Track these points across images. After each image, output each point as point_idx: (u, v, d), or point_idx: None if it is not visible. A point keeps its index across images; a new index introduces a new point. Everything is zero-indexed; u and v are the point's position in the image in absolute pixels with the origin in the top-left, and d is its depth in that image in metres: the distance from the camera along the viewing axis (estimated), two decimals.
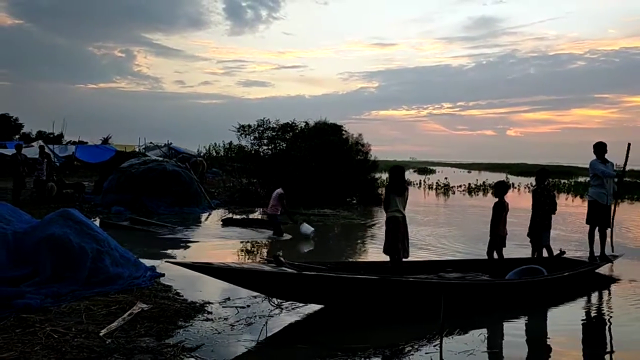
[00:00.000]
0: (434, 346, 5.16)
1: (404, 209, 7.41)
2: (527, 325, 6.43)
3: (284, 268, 6.27)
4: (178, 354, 4.68)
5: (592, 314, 6.94)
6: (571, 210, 19.36)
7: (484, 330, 5.90)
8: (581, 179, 40.91)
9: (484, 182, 34.19)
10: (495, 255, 7.83)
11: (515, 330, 6.14)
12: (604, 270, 8.77)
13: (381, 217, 17.43)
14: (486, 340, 5.56)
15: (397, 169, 7.58)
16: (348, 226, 14.87)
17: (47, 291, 5.95)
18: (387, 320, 6.06)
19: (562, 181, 38.64)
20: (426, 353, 5.05)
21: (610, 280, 8.49)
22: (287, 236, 12.05)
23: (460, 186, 32.69)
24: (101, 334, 5.05)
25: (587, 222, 8.97)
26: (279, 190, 12.39)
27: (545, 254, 8.39)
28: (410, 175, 51.17)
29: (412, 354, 5.03)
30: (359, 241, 12.83)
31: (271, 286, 6.10)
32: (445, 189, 31.56)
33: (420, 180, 38.31)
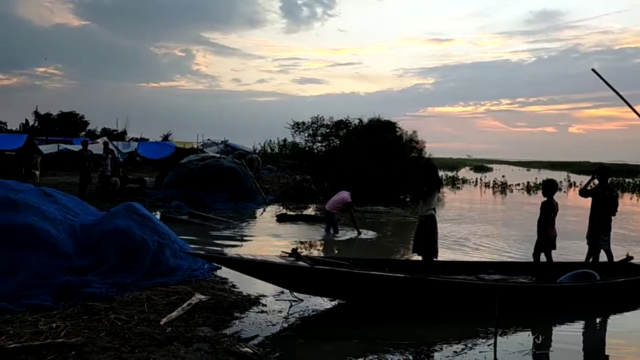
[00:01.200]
0: (488, 345, 5.10)
1: (432, 207, 7.34)
2: (583, 330, 6.25)
3: (300, 262, 6.35)
4: (234, 343, 4.82)
5: None
6: (636, 210, 18.54)
7: (538, 332, 5.76)
8: None
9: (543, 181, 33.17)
10: (544, 258, 7.45)
11: (569, 334, 5.97)
12: None
13: (438, 215, 17.28)
14: (541, 342, 5.44)
15: (431, 165, 7.53)
16: (401, 224, 14.77)
17: (111, 281, 6.25)
18: (436, 317, 6.02)
19: (627, 180, 36.99)
20: (480, 352, 5.00)
21: None
22: (343, 234, 12.06)
23: (519, 184, 31.86)
24: (162, 323, 5.26)
25: None
26: (346, 195, 12.02)
27: (598, 257, 7.89)
28: (466, 173, 50.32)
29: (466, 352, 4.99)
30: (411, 238, 12.65)
31: (285, 279, 6.21)
32: (502, 188, 30.83)
33: (477, 179, 37.55)
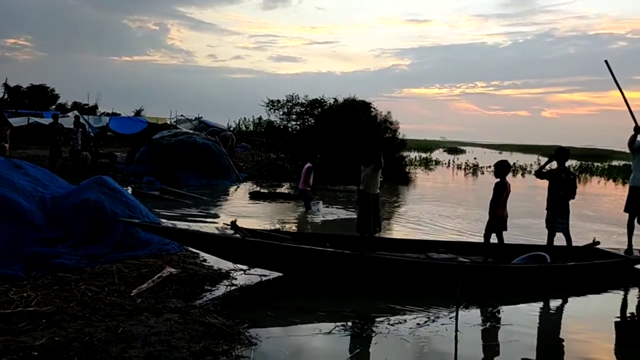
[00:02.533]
0: (450, 318, 5.33)
1: (372, 183, 7.44)
2: (541, 311, 6.36)
3: (236, 234, 6.56)
4: (204, 314, 4.94)
5: (602, 307, 6.57)
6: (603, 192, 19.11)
7: (497, 309, 6.03)
8: (615, 163, 40.12)
9: (514, 164, 33.77)
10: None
11: (526, 314, 6.08)
12: None
13: (406, 195, 17.58)
14: (500, 317, 5.69)
15: (365, 140, 7.59)
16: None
17: (82, 252, 6.28)
18: (400, 292, 6.23)
19: (596, 164, 37.90)
20: (442, 324, 5.23)
21: None
22: (317, 211, 12.23)
23: (490, 167, 32.35)
24: (132, 294, 5.34)
25: (625, 210, 8.16)
26: (308, 165, 12.49)
27: (553, 240, 7.80)
28: (439, 154, 50.88)
29: (429, 324, 5.21)
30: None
31: (218, 249, 6.41)
32: (474, 169, 31.32)
33: (449, 160, 38.04)
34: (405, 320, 5.27)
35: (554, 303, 6.69)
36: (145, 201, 9.46)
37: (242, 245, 6.28)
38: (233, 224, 6.79)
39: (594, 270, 7.37)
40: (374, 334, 4.92)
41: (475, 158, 35.15)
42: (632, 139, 7.97)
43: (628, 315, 6.45)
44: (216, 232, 6.64)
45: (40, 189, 6.99)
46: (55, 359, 3.78)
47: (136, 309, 4.94)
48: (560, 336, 5.50)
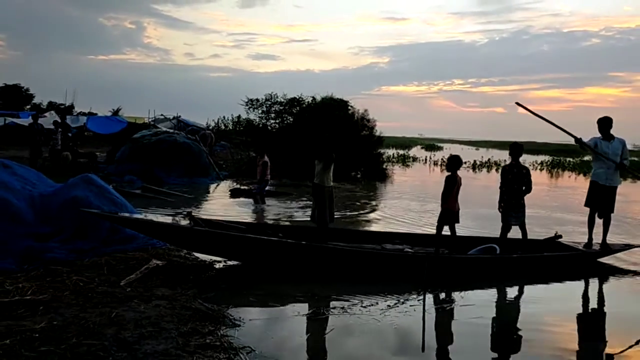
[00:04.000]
0: (418, 300, 5.81)
1: (326, 177, 7.84)
2: (498, 294, 6.80)
3: (190, 224, 7.07)
4: (190, 300, 5.32)
5: (555, 296, 6.87)
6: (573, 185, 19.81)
7: (460, 294, 6.42)
8: (587, 158, 41.20)
9: (489, 160, 34.64)
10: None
11: (487, 296, 6.63)
12: (611, 260, 8.22)
13: (381, 190, 18.07)
14: (462, 299, 6.18)
15: (320, 140, 8.02)
16: (347, 197, 15.35)
17: (71, 247, 6.60)
18: (371, 279, 6.69)
19: (568, 159, 38.96)
20: (410, 306, 5.70)
21: (612, 270, 7.87)
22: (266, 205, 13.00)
23: (465, 162, 33.10)
24: (122, 284, 5.69)
25: (585, 205, 8.34)
26: (265, 159, 13.59)
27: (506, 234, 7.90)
28: (417, 151, 51.67)
29: (398, 306, 5.68)
30: (346, 211, 13.10)
31: (170, 237, 6.93)
32: None
33: (426, 157, 38.81)
34: (377, 303, 5.72)
35: (512, 290, 6.99)
36: (127, 200, 9.75)
37: (190, 234, 6.78)
38: (188, 214, 7.32)
39: (549, 262, 7.63)
40: (348, 315, 5.35)
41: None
42: (581, 146, 8.20)
43: (582, 304, 6.69)
44: (166, 221, 7.11)
45: (28, 187, 7.27)
46: (55, 340, 4.12)
47: (126, 297, 5.30)
48: (518, 317, 5.95)
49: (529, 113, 8.51)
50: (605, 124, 8.13)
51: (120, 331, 4.39)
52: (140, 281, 5.89)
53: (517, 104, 8.76)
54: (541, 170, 33.17)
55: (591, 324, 5.96)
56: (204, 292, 5.71)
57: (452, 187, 7.36)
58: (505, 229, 7.87)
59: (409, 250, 7.62)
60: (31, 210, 6.90)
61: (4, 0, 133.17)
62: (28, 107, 48.93)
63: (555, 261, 7.73)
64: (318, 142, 7.94)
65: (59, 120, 19.86)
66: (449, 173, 7.51)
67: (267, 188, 14.67)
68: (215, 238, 6.72)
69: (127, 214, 7.08)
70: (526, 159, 35.95)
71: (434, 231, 7.84)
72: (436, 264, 6.81)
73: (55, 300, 5.04)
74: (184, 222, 7.21)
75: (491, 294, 6.79)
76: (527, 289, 6.96)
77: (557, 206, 15.02)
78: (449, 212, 7.40)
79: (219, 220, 7.98)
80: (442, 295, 6.26)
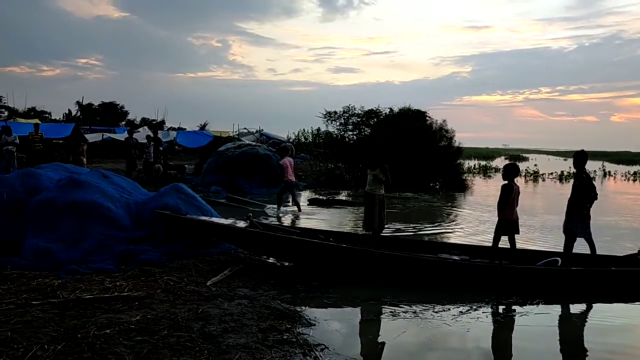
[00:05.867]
0: (490, 308, 5.83)
1: (380, 185, 7.88)
2: (566, 309, 6.46)
3: (243, 225, 7.63)
4: (269, 300, 5.65)
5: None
6: None
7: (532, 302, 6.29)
8: None
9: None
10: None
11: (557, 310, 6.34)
12: None
13: (463, 202, 17.84)
14: (539, 307, 6.10)
15: (367, 147, 8.08)
16: (424, 209, 15.31)
17: (163, 250, 7.15)
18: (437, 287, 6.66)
19: None
20: (483, 312, 5.74)
21: None
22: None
23: (552, 173, 31.89)
24: (208, 284, 6.13)
25: None
26: (290, 159, 13.96)
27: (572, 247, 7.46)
28: (501, 162, 50.19)
29: (470, 312, 5.74)
30: (424, 222, 12.95)
31: (230, 238, 7.54)
32: (534, 176, 30.95)
33: None
34: (449, 309, 5.79)
35: (581, 307, 6.57)
36: (213, 208, 10.35)
37: (243, 234, 7.38)
38: (248, 217, 7.89)
39: (622, 278, 6.95)
40: (419, 319, 5.48)
41: (535, 165, 34.65)
42: None
43: None
44: (224, 222, 7.71)
45: (125, 195, 7.94)
46: (149, 331, 4.56)
47: (212, 295, 5.72)
48: (585, 336, 5.60)
49: None
50: None
51: (206, 325, 4.77)
52: (224, 282, 6.32)
53: None
54: (634, 180, 31.34)
55: None
56: (282, 294, 6.03)
57: (508, 196, 7.12)
58: (570, 241, 7.43)
59: (476, 261, 7.47)
60: (128, 216, 7.54)
61: (101, 23, 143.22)
62: (123, 123, 52.28)
63: (629, 278, 6.97)
64: (370, 153, 8.16)
65: (152, 135, 21.18)
66: (505, 181, 7.29)
67: (296, 191, 14.86)
68: (266, 239, 7.30)
69: (194, 216, 7.73)
70: (618, 169, 34.18)
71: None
72: (505, 274, 6.66)
73: (149, 297, 5.53)
74: (243, 224, 7.71)
75: (561, 308, 6.46)
76: (604, 307, 6.47)
77: None
78: (506, 222, 7.15)
79: (277, 225, 8.37)
80: (515, 306, 6.18)
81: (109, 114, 54.44)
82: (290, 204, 14.53)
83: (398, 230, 11.03)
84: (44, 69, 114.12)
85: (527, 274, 6.82)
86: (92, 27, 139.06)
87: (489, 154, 68.72)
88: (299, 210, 13.35)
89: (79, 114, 50.42)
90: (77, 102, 51.82)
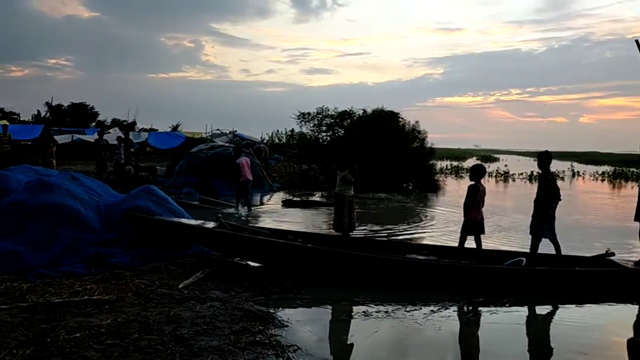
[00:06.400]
0: (460, 305, 5.94)
1: (349, 186, 7.91)
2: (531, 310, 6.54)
3: (212, 226, 7.64)
4: (242, 302, 5.65)
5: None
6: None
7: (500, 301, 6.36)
8: None
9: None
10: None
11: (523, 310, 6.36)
12: None
13: (435, 202, 18.05)
14: (508, 306, 6.22)
15: (336, 148, 8.14)
16: (397, 209, 15.45)
17: (134, 253, 7.08)
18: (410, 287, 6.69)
19: (631, 169, 37.47)
20: (454, 311, 5.84)
21: None
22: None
23: (522, 174, 32.46)
24: (180, 287, 6.10)
25: (635, 219, 7.46)
26: (249, 158, 14.32)
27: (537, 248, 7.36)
28: (472, 163, 50.81)
29: (441, 310, 5.85)
30: (397, 222, 12.90)
31: (199, 239, 7.57)
32: (505, 177, 31.47)
33: None
34: (421, 308, 5.87)
35: (547, 308, 6.60)
36: (186, 210, 10.28)
37: (212, 235, 7.39)
38: (217, 219, 7.89)
39: (586, 278, 6.97)
40: (391, 319, 5.54)
41: (506, 165, 35.24)
42: None
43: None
44: (192, 223, 7.71)
45: (95, 198, 7.84)
46: (119, 334, 4.52)
47: (184, 298, 5.69)
48: (550, 335, 5.71)
49: None
50: None
51: (177, 328, 4.75)
52: (196, 284, 6.29)
53: (637, 41, 7.73)
54: (602, 180, 32.10)
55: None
56: (255, 295, 6.02)
57: (474, 197, 7.13)
58: (536, 242, 7.34)
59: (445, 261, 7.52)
60: (98, 218, 7.45)
61: (71, 23, 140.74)
62: (93, 124, 51.53)
63: (592, 278, 6.98)
64: (339, 154, 8.18)
65: (123, 136, 20.92)
66: (472, 182, 7.29)
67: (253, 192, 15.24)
68: (232, 239, 7.32)
69: (162, 217, 7.69)
70: (586, 170, 34.91)
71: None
72: (475, 274, 6.77)
73: (120, 300, 5.47)
74: (211, 225, 7.71)
75: (530, 308, 6.51)
76: (572, 306, 6.53)
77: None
78: (472, 223, 7.16)
79: (246, 226, 8.38)
80: (485, 305, 6.26)
81: (79, 115, 53.58)
82: (258, 204, 14.52)
83: (372, 231, 11.13)
84: (13, 69, 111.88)
85: (495, 274, 6.90)
86: (62, 27, 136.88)
87: (461, 155, 69.59)
88: (249, 210, 13.70)
89: (48, 115, 49.53)
90: (47, 103, 50.98)
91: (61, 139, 30.89)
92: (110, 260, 6.76)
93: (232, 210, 13.67)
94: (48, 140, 20.20)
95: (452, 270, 6.96)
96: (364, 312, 5.71)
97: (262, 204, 16.37)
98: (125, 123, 49.81)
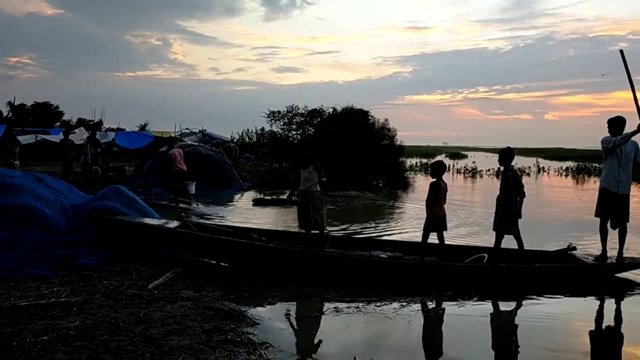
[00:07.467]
0: (429, 300, 6.04)
1: (314, 183, 7.95)
2: (506, 305, 6.68)
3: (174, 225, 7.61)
4: (213, 301, 5.63)
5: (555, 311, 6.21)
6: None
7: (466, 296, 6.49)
8: None
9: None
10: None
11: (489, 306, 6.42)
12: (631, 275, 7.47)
13: (404, 199, 18.24)
14: (474, 301, 6.35)
15: (300, 146, 8.21)
16: (367, 206, 15.59)
17: (101, 254, 6.98)
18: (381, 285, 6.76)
19: (594, 165, 38.50)
20: (422, 305, 5.95)
21: (631, 286, 7.23)
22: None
23: (489, 170, 33.04)
24: (149, 287, 6.04)
25: (595, 215, 7.65)
26: (172, 150, 14.73)
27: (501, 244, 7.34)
28: (441, 160, 51.58)
29: (411, 305, 5.95)
30: (366, 219, 13.11)
31: (161, 239, 7.49)
32: (473, 173, 32.00)
33: (450, 165, 38.72)
34: (390, 303, 5.95)
35: (511, 304, 6.55)
36: (155, 211, 10.17)
37: (173, 235, 7.34)
38: (181, 218, 7.86)
39: (547, 274, 7.09)
40: (361, 314, 5.60)
41: (474, 162, 35.83)
42: (607, 141, 7.50)
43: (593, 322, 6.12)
44: (153, 223, 7.60)
45: (61, 199, 7.70)
46: (88, 336, 4.47)
47: (154, 298, 5.64)
48: (517, 328, 5.83)
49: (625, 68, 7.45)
50: (617, 124, 7.51)
51: (148, 329, 4.72)
52: (166, 284, 6.24)
53: (621, 51, 7.59)
54: (566, 176, 32.90)
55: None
56: (226, 294, 6.01)
57: (436, 194, 7.17)
58: (499, 238, 7.31)
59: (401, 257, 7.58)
60: (64, 219, 7.32)
61: (34, 21, 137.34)
62: (58, 124, 50.34)
63: (552, 273, 7.11)
64: (302, 151, 8.21)
65: (89, 136, 20.58)
66: (434, 179, 7.31)
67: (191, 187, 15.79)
68: (193, 239, 7.32)
69: (125, 217, 7.55)
70: (551, 165, 35.76)
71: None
72: (442, 271, 6.87)
73: (88, 302, 5.40)
74: (175, 224, 7.65)
75: (495, 303, 6.50)
76: (536, 301, 6.53)
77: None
78: (434, 219, 7.20)
79: (210, 225, 8.36)
80: (452, 300, 6.35)
81: (43, 114, 52.26)
82: (227, 204, 14.43)
83: (343, 228, 11.21)
84: None
85: (458, 272, 6.98)
86: (24, 24, 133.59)
87: (430, 152, 70.56)
88: (177, 204, 13.92)
89: (10, 115, 48.24)
90: (9, 103, 49.65)
91: (25, 139, 30.21)
92: (77, 261, 6.66)
93: (204, 209, 13.57)
94: (11, 141, 19.80)
95: (416, 268, 7.01)
96: (334, 308, 5.76)
97: (232, 202, 16.30)
98: (92, 123, 48.87)
